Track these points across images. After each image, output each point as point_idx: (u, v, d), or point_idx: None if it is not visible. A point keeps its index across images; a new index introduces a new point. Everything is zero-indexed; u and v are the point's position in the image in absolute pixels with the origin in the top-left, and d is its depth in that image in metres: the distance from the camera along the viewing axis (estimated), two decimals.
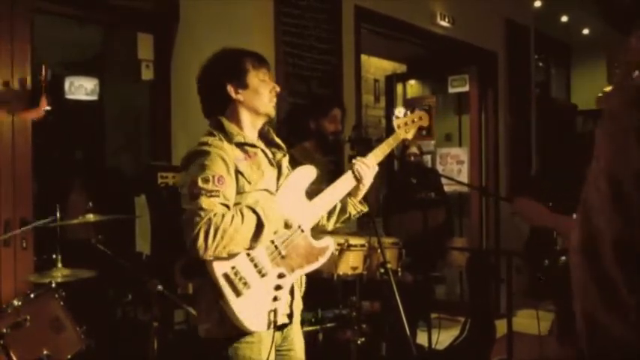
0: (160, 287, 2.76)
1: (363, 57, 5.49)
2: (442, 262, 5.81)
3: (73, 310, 2.65)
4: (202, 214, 1.84)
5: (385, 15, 4.83)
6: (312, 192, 2.19)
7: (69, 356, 2.55)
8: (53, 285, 2.62)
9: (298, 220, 2.06)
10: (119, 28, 4.52)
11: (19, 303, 2.43)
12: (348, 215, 2.32)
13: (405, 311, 2.79)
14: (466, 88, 6.36)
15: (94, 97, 5.44)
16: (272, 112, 2.12)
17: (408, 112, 2.52)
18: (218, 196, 1.88)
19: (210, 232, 1.81)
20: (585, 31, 7.44)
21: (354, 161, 2.28)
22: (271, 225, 1.94)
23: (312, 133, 3.60)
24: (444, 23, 5.44)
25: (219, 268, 1.89)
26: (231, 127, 2.05)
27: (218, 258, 1.88)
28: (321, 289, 2.31)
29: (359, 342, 3.25)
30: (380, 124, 7.08)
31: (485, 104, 6.16)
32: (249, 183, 1.98)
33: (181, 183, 2.00)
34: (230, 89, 2.07)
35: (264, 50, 4.01)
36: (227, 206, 1.90)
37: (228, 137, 2.03)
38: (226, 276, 1.89)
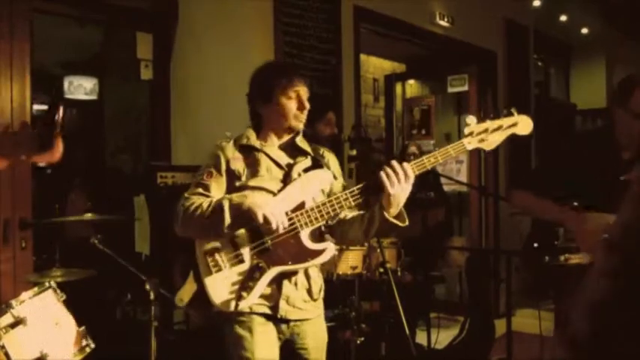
0: (159, 287, 2.76)
1: (363, 57, 5.49)
2: (441, 261, 5.81)
3: (72, 310, 2.64)
4: (182, 199, 2.17)
5: (384, 15, 4.83)
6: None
7: (68, 356, 2.55)
8: (52, 285, 2.62)
9: (274, 218, 2.03)
10: (118, 27, 4.52)
11: (19, 303, 2.42)
12: (377, 227, 2.16)
13: (405, 311, 2.80)
14: (465, 88, 6.37)
15: (94, 97, 5.45)
16: (297, 127, 2.26)
17: (489, 118, 2.12)
18: (201, 187, 2.18)
19: (180, 212, 2.13)
20: (584, 31, 7.45)
21: (385, 167, 2.07)
22: (234, 215, 2.04)
23: (307, 138, 3.60)
24: (444, 23, 5.45)
25: (200, 248, 2.14)
26: (248, 132, 2.28)
27: (201, 240, 2.13)
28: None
29: (358, 341, 3.25)
30: (379, 124, 7.09)
31: (484, 104, 6.17)
32: (239, 179, 2.18)
33: None
34: (257, 104, 2.29)
35: (264, 50, 4.02)
36: (206, 196, 2.15)
37: (236, 140, 2.27)
38: (203, 254, 2.13)
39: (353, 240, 2.37)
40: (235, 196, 2.11)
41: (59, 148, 1.34)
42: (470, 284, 4.82)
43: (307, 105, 2.24)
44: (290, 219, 2.10)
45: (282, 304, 2.16)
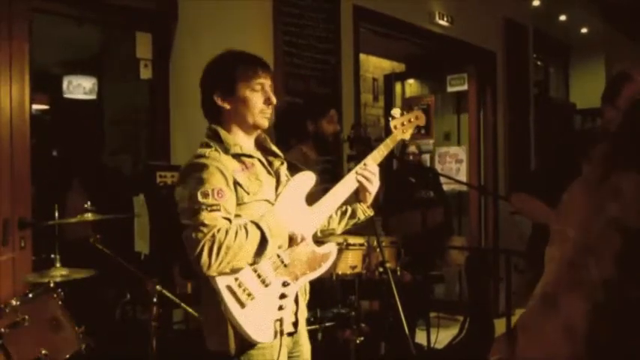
0: (158, 287, 2.76)
1: (362, 56, 5.49)
2: (441, 261, 5.81)
3: (72, 309, 2.64)
4: (205, 230, 1.81)
5: (384, 14, 4.83)
6: (312, 194, 2.15)
7: (67, 356, 2.54)
8: (52, 285, 2.61)
9: (299, 229, 2.01)
10: (118, 27, 4.51)
11: (18, 303, 2.42)
12: (357, 219, 2.30)
13: (404, 310, 2.80)
14: (465, 87, 6.37)
15: (93, 97, 5.44)
16: (262, 124, 2.05)
17: (405, 112, 2.48)
18: (219, 210, 1.84)
19: (214, 249, 1.78)
20: (584, 30, 7.45)
21: (356, 168, 2.22)
22: (275, 240, 1.90)
23: (310, 135, 3.60)
24: (443, 22, 5.45)
25: (222, 281, 1.86)
26: (228, 137, 2.01)
27: (223, 273, 1.85)
28: (320, 289, 2.30)
29: (358, 341, 3.25)
30: (379, 123, 7.09)
31: (483, 103, 6.17)
32: (248, 194, 1.95)
33: (179, 197, 1.93)
34: (217, 99, 2.02)
35: (263, 50, 4.02)
36: (229, 220, 1.87)
37: (225, 148, 1.98)
38: (229, 288, 1.86)
39: (329, 235, 2.32)
40: (243, 210, 1.93)
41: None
42: (469, 284, 4.82)
43: (274, 99, 2.05)
44: None
45: (300, 317, 2.08)
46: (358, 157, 3.61)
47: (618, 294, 0.94)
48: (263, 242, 1.87)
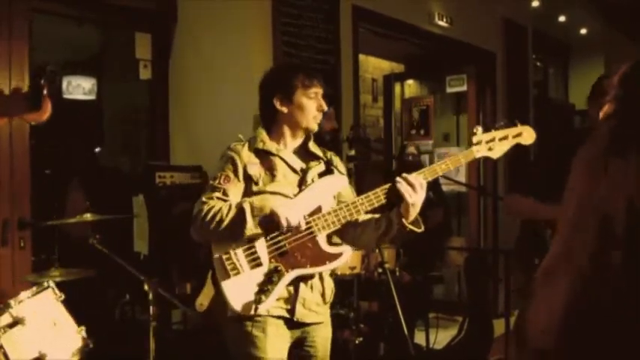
0: (157, 287, 2.76)
1: (361, 57, 5.49)
2: (440, 261, 5.81)
3: (71, 309, 2.64)
4: (199, 204, 2.13)
5: (383, 15, 4.83)
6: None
7: (67, 356, 2.54)
8: (51, 285, 2.61)
9: (296, 221, 2.08)
10: (117, 27, 4.52)
11: (18, 303, 2.42)
12: (396, 233, 2.20)
13: (403, 311, 2.80)
14: (464, 88, 6.37)
15: (92, 97, 5.43)
16: (314, 128, 2.28)
17: (500, 127, 2.21)
18: (218, 192, 2.14)
19: (199, 218, 2.09)
20: (583, 31, 7.45)
21: (397, 178, 2.12)
22: (256, 220, 2.08)
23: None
24: (442, 23, 5.45)
25: (216, 251, 2.12)
26: (260, 134, 2.26)
27: (217, 243, 2.11)
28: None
29: (357, 342, 3.25)
30: (378, 124, 7.09)
31: (483, 104, 6.17)
32: (257, 184, 2.17)
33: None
34: (276, 102, 2.24)
35: (263, 50, 4.02)
36: (224, 201, 2.13)
37: (251, 143, 2.24)
38: (219, 259, 2.11)
39: (366, 245, 2.44)
40: (256, 199, 2.12)
41: (47, 109, 1.41)
42: (469, 284, 4.82)
43: (325, 107, 2.27)
44: (307, 222, 2.12)
45: (299, 307, 2.17)
46: (357, 158, 3.63)
47: (599, 266, 0.97)
48: (242, 219, 2.06)
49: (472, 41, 5.82)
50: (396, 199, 2.13)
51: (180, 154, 3.84)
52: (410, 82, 7.11)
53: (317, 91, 2.25)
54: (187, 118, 3.85)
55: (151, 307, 2.75)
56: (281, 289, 2.12)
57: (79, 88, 5.39)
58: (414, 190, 2.10)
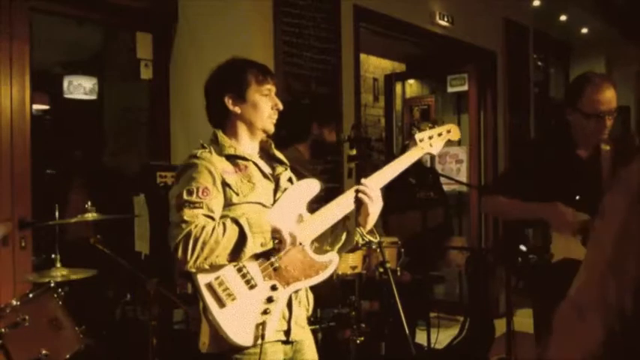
0: (158, 287, 2.76)
1: (362, 56, 5.49)
2: (441, 261, 5.81)
3: (72, 309, 2.64)
4: (183, 225, 1.84)
5: (384, 14, 4.82)
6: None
7: (68, 356, 2.55)
8: (52, 285, 2.62)
9: (296, 234, 1.96)
10: (118, 27, 4.52)
11: (18, 303, 2.42)
12: (355, 244, 2.18)
13: (404, 310, 2.80)
14: (465, 88, 6.36)
15: (93, 97, 5.44)
16: (270, 129, 2.10)
17: (434, 125, 2.34)
18: (201, 208, 1.87)
19: (190, 244, 1.80)
20: (584, 30, 7.44)
21: (356, 187, 2.08)
22: (256, 237, 1.87)
23: (310, 136, 3.59)
24: (443, 22, 5.44)
25: (203, 279, 1.85)
26: (224, 139, 2.06)
27: (202, 269, 1.84)
28: (320, 289, 2.28)
29: (358, 341, 3.25)
30: (379, 124, 7.09)
31: (484, 103, 6.17)
32: (237, 195, 1.96)
33: (171, 195, 1.97)
34: (228, 101, 2.06)
35: (263, 50, 4.02)
36: (211, 218, 1.89)
37: (220, 149, 2.03)
38: (209, 286, 1.85)
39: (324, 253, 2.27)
40: (252, 215, 1.91)
41: None
42: (469, 284, 4.82)
43: (280, 105, 2.10)
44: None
45: (293, 325, 2.01)
46: (358, 158, 3.63)
47: (632, 328, 0.87)
48: (242, 238, 1.85)
49: (473, 41, 5.81)
50: (356, 206, 2.09)
51: (180, 154, 3.83)
52: (411, 81, 7.11)
53: (271, 88, 2.08)
54: (188, 118, 3.85)
55: (152, 307, 2.75)
56: (282, 308, 1.95)
57: (80, 87, 5.39)
58: (375, 198, 2.07)
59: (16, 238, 3.13)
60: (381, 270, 3.23)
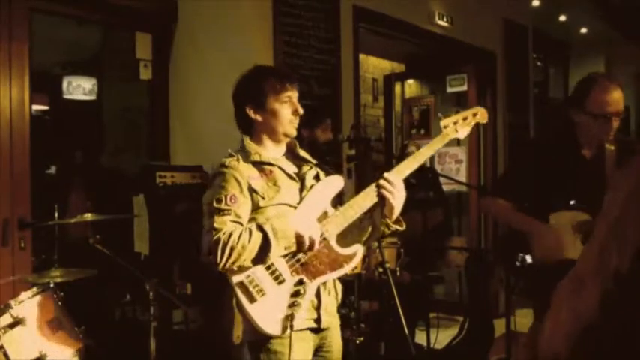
0: (158, 287, 2.76)
1: (362, 56, 5.50)
2: (441, 261, 5.81)
3: (72, 310, 2.64)
4: (214, 232, 1.99)
5: (383, 14, 4.83)
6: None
7: (67, 356, 2.54)
8: (51, 285, 2.61)
9: (311, 233, 2.05)
10: (117, 27, 4.52)
11: (18, 303, 2.42)
12: (382, 234, 2.27)
13: (404, 310, 2.80)
14: (464, 88, 6.37)
15: (93, 97, 5.44)
16: (292, 133, 2.21)
17: (459, 110, 2.38)
18: (229, 215, 2.03)
19: (219, 249, 1.96)
20: (583, 30, 7.45)
21: (380, 181, 2.17)
22: (280, 242, 2.01)
23: (303, 141, 3.60)
24: (443, 23, 5.45)
25: (235, 278, 2.02)
26: (250, 146, 2.19)
27: (232, 270, 2.01)
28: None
29: (358, 341, 3.25)
30: (378, 124, 7.09)
31: (483, 103, 6.17)
32: (263, 199, 2.09)
33: (203, 202, 2.12)
34: (249, 111, 2.18)
35: (263, 50, 4.02)
36: (239, 223, 2.03)
37: (246, 156, 2.15)
38: (241, 284, 2.02)
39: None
40: (275, 219, 2.05)
41: None
42: (469, 284, 4.82)
43: (301, 110, 2.20)
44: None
45: (323, 314, 2.14)
46: (357, 158, 3.64)
47: (626, 285, 0.91)
48: (266, 244, 1.99)
49: (472, 41, 5.82)
50: (379, 199, 2.17)
51: (180, 154, 3.83)
52: (410, 81, 7.11)
53: (290, 94, 2.18)
54: (188, 118, 3.85)
55: (152, 307, 2.75)
56: (309, 300, 2.09)
57: (80, 88, 5.39)
58: (397, 191, 2.16)
59: (15, 239, 3.13)
60: (381, 270, 3.24)
